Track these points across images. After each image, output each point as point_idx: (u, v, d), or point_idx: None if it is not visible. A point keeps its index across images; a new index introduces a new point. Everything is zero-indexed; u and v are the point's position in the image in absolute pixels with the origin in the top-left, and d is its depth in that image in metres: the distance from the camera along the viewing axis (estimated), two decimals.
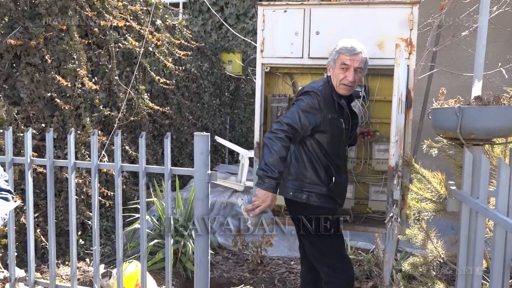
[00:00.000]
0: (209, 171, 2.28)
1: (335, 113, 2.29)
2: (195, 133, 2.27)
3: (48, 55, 3.56)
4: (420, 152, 2.53)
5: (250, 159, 4.92)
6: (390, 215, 1.82)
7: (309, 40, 2.61)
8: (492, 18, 3.43)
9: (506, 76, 2.04)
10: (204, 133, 2.27)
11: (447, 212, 2.07)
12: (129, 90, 4.35)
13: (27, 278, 2.77)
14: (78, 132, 3.85)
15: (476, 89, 2.10)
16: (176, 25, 5.64)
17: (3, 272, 2.84)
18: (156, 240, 3.54)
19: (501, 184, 1.43)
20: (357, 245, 4.07)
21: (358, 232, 3.37)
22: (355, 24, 2.55)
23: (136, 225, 3.69)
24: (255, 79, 2.75)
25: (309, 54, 2.62)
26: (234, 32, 5.20)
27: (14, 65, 3.52)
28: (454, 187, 1.85)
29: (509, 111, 1.67)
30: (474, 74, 2.16)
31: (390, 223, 1.81)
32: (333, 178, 2.30)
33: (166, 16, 5.40)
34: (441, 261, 2.64)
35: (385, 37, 2.52)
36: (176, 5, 7.58)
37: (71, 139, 2.55)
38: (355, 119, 2.51)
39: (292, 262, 3.77)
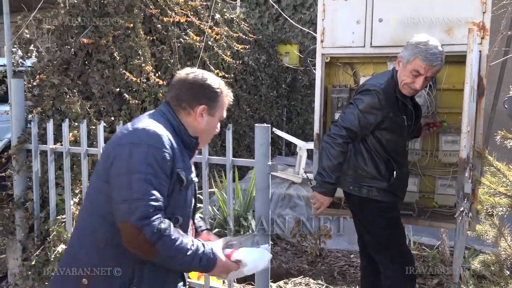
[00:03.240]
0: (270, 162, 2.30)
1: (397, 111, 2.22)
2: (256, 124, 2.29)
3: (116, 52, 3.76)
4: (492, 144, 2.37)
5: (308, 150, 4.89)
6: (461, 210, 1.74)
7: (372, 28, 2.54)
8: None
9: None
10: (265, 124, 2.30)
11: None
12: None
13: None
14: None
15: None
16: (234, 18, 5.71)
17: None
18: (217, 229, 3.64)
19: None
20: (421, 240, 3.92)
21: (423, 227, 3.24)
22: (421, 9, 2.43)
23: (198, 214, 3.82)
24: (315, 70, 2.72)
25: (371, 43, 2.55)
26: (292, 22, 5.17)
27: (86, 62, 3.77)
28: None
29: None
30: None
31: (460, 218, 1.72)
32: (394, 172, 2.24)
33: (225, 10, 5.48)
34: None
35: (454, 22, 2.38)
36: None
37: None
38: (418, 111, 2.41)
39: (351, 256, 3.72)
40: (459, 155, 1.80)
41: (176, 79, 1.57)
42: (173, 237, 1.34)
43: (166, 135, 1.42)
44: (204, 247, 1.41)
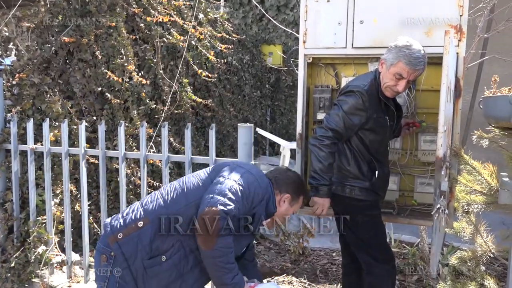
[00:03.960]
0: (253, 161, 2.32)
1: (380, 112, 2.26)
2: (239, 124, 2.31)
3: (98, 51, 3.72)
4: (469, 143, 2.44)
5: (291, 150, 4.93)
6: (437, 207, 1.79)
7: (353, 30, 2.57)
8: None
9: None
10: (248, 124, 2.32)
11: (498, 205, 2.00)
12: (173, 83, 4.47)
13: (82, 261, 2.95)
14: (126, 124, 4.01)
15: None
16: (218, 18, 5.71)
17: (60, 255, 3.04)
18: None
19: None
20: (401, 238, 3.99)
21: (403, 225, 3.31)
22: (401, 12, 2.48)
23: None
24: (297, 70, 2.75)
25: (352, 44, 2.59)
26: (276, 23, 5.20)
27: (67, 61, 3.72)
28: (507, 179, 1.78)
29: None
30: None
31: (437, 215, 1.77)
32: (376, 172, 2.29)
33: (208, 9, 5.48)
34: (491, 256, 2.54)
35: (433, 25, 2.44)
36: None
37: (121, 131, 2.68)
38: (400, 112, 2.46)
39: (334, 254, 3.77)
40: (436, 154, 1.85)
41: (278, 168, 2.12)
42: (232, 244, 1.68)
43: (266, 188, 1.85)
44: (239, 272, 1.75)
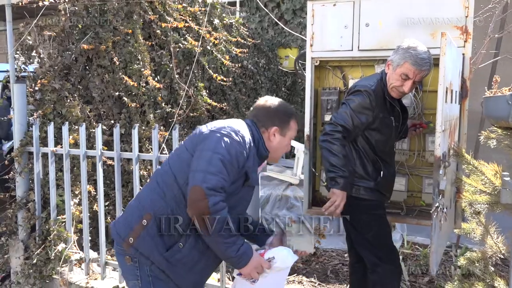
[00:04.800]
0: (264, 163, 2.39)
1: (386, 112, 2.30)
2: None
3: (116, 57, 3.87)
4: (483, 145, 2.44)
5: None
6: (436, 205, 1.81)
7: (359, 33, 2.62)
8: None
9: None
10: None
11: (502, 205, 2.00)
12: (186, 87, 4.58)
13: (99, 259, 3.08)
14: (143, 127, 4.14)
15: None
16: (233, 23, 5.81)
17: (79, 253, 3.17)
18: None
19: None
20: (415, 240, 3.98)
21: (418, 227, 3.31)
22: (406, 14, 2.51)
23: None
24: (305, 73, 2.81)
25: (358, 47, 2.63)
26: (287, 29, 5.26)
27: (86, 67, 3.88)
28: (508, 178, 1.78)
29: None
30: None
31: (436, 214, 1.79)
32: (381, 172, 2.32)
33: (224, 15, 5.59)
34: (502, 257, 2.53)
35: (438, 26, 2.46)
36: (233, 3, 7.78)
37: (135, 133, 2.79)
38: (405, 113, 2.49)
39: (345, 255, 3.78)
40: (434, 154, 1.87)
41: (256, 105, 1.94)
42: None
43: (248, 138, 1.76)
44: (243, 241, 1.70)
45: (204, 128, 1.80)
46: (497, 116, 1.78)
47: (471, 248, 3.34)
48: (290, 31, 5.09)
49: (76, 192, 3.36)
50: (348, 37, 2.65)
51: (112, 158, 3.43)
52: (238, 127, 1.77)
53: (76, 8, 3.73)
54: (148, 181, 2.01)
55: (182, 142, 1.85)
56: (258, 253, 1.76)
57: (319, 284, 3.24)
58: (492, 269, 2.51)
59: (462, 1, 2.40)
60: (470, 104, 2.54)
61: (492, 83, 1.92)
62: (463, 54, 2.43)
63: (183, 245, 1.72)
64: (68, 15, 3.65)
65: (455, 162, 2.30)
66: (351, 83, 2.79)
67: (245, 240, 1.73)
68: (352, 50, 2.65)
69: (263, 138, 1.85)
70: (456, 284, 2.46)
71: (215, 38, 5.09)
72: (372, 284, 2.37)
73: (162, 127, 4.40)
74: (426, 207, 2.72)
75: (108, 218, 3.83)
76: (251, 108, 1.95)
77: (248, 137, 1.76)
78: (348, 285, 3.19)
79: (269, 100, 1.93)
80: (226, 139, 1.69)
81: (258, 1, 5.95)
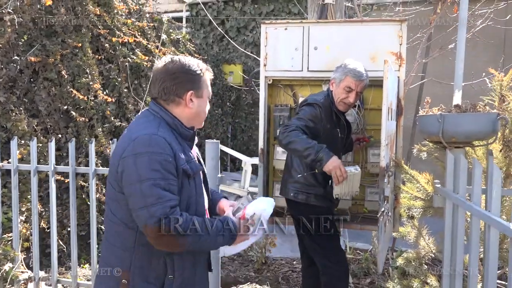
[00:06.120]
0: (219, 175, 2.52)
1: (333, 124, 2.55)
2: (206, 140, 2.51)
3: (64, 71, 3.81)
4: (415, 157, 2.77)
5: (253, 165, 5.15)
6: (382, 210, 2.06)
7: (308, 55, 2.87)
8: (477, 32, 3.70)
9: (489, 85, 2.29)
10: (215, 140, 2.52)
11: (434, 209, 2.30)
12: (140, 101, 4.59)
13: (49, 277, 2.99)
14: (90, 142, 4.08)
15: (456, 98, 2.35)
16: (180, 39, 5.91)
17: (27, 272, 3.05)
18: None
19: (475, 180, 1.66)
20: (356, 245, 4.28)
21: (357, 231, 3.59)
22: (350, 40, 2.80)
23: None
24: (259, 91, 3.00)
25: (308, 68, 2.88)
26: (235, 45, 5.47)
27: (32, 80, 3.77)
28: (439, 185, 2.08)
29: (483, 117, 1.92)
30: (454, 85, 2.42)
31: (382, 217, 2.04)
32: (330, 181, 2.55)
33: (171, 30, 5.67)
34: (433, 256, 2.86)
35: (377, 51, 2.77)
36: (179, 19, 7.87)
37: (92, 148, 2.79)
38: (349, 128, 2.77)
39: (294, 262, 3.99)
40: (379, 165, 2.13)
41: (157, 71, 1.59)
42: (193, 225, 1.46)
43: (163, 137, 1.49)
44: (222, 222, 1.55)
45: (115, 159, 1.54)
46: (429, 132, 2.08)
47: (406, 250, 3.69)
48: (238, 47, 5.29)
49: (23, 209, 3.24)
50: (299, 59, 2.89)
51: (60, 174, 3.36)
52: (145, 132, 1.50)
53: (22, 20, 3.64)
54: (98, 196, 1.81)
55: (110, 182, 1.58)
56: (238, 217, 1.64)
57: None
58: (426, 267, 2.83)
59: (397, 31, 2.74)
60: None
61: (424, 103, 2.23)
62: (398, 77, 2.76)
63: (173, 275, 1.56)
64: (14, 26, 3.55)
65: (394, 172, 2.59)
66: (300, 100, 3.03)
67: (220, 219, 1.59)
68: (302, 70, 2.89)
69: (177, 117, 1.59)
70: (396, 281, 2.75)
71: (163, 53, 5.16)
72: (324, 286, 2.57)
73: (110, 141, 4.35)
74: (369, 213, 3.00)
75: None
76: (152, 80, 1.61)
77: (162, 135, 1.50)
78: None
79: (170, 63, 1.59)
80: (141, 158, 1.45)
81: (209, 15, 6.11)
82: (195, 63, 1.62)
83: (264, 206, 1.71)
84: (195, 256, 1.64)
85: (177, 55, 4.86)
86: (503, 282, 2.37)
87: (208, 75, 1.66)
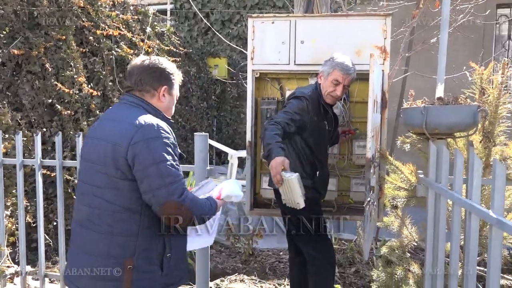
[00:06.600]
0: (208, 167, 2.54)
1: (320, 116, 2.60)
2: (195, 133, 2.53)
3: (48, 64, 3.76)
4: (398, 149, 2.85)
5: (239, 159, 5.19)
6: (368, 200, 2.12)
7: (295, 49, 2.90)
8: (458, 26, 3.79)
9: (470, 78, 2.37)
10: (203, 133, 2.54)
11: (417, 199, 2.38)
12: (119, 95, 4.56)
13: (36, 272, 2.98)
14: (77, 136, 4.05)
15: (439, 91, 2.42)
16: (165, 32, 5.88)
17: (13, 267, 3.03)
18: None
19: (457, 170, 1.73)
20: (341, 236, 4.37)
21: (341, 222, 3.67)
22: (335, 34, 2.84)
23: None
24: (246, 84, 3.02)
25: (295, 61, 2.91)
26: (221, 37, 5.47)
27: (15, 73, 3.71)
28: (422, 175, 2.15)
29: (464, 109, 1.99)
30: (437, 78, 2.49)
31: (368, 207, 2.10)
32: (317, 172, 2.60)
33: (155, 23, 5.63)
34: (415, 244, 2.95)
35: (362, 45, 2.82)
36: (163, 12, 7.81)
37: (79, 141, 2.78)
38: (336, 121, 2.82)
39: (281, 253, 4.05)
40: (365, 156, 2.19)
41: (135, 66, 1.73)
42: (199, 200, 1.67)
43: (156, 123, 1.61)
44: (208, 198, 1.74)
45: (112, 146, 1.59)
46: (413, 124, 2.15)
47: (390, 239, 3.79)
48: (224, 39, 5.29)
49: (7, 204, 3.21)
50: (285, 52, 2.92)
51: (46, 168, 3.33)
52: (147, 119, 1.61)
53: (3, 11, 3.57)
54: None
55: (107, 172, 1.61)
56: (216, 196, 1.78)
57: (259, 281, 3.46)
58: (408, 255, 2.93)
59: (382, 25, 2.80)
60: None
61: (409, 96, 2.29)
62: (383, 70, 2.82)
63: (170, 253, 1.68)
64: None
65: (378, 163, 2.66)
66: (287, 93, 3.07)
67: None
68: (289, 64, 2.93)
69: (154, 105, 1.71)
70: (380, 269, 2.84)
71: (148, 46, 5.13)
72: (311, 275, 2.63)
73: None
74: (354, 204, 3.07)
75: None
76: (129, 74, 1.73)
77: (157, 122, 1.62)
78: (286, 279, 3.46)
79: (147, 60, 1.73)
80: (156, 142, 1.57)
81: (194, 7, 6.07)
82: (170, 65, 1.78)
83: (239, 192, 1.87)
84: (186, 235, 1.80)
85: (162, 48, 4.80)
86: (482, 268, 2.48)
87: (178, 79, 1.83)
